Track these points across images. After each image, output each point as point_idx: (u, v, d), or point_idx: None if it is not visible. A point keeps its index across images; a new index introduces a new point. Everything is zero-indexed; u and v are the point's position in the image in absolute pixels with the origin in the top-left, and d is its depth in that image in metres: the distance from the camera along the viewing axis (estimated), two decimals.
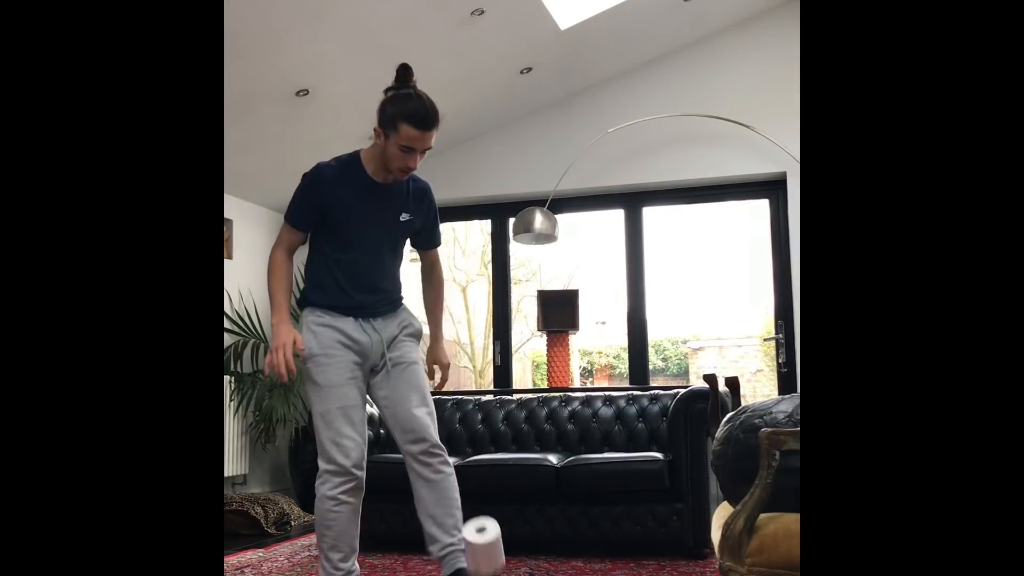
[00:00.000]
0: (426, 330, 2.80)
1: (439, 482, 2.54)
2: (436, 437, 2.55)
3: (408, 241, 2.71)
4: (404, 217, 2.58)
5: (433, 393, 2.73)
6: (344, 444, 2.45)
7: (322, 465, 2.47)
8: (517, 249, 8.35)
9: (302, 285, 2.84)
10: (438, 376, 2.76)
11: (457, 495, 2.57)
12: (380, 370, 2.58)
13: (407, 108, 2.37)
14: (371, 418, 4.05)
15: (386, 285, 2.60)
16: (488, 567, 2.54)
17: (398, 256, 2.66)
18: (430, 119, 2.39)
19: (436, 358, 2.75)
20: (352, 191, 2.49)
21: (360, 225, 2.51)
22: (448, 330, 12.17)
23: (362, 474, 2.49)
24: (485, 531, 2.57)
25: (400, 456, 3.87)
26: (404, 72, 2.50)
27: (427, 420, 2.55)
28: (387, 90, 2.48)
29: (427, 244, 2.75)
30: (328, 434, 2.45)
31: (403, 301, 2.69)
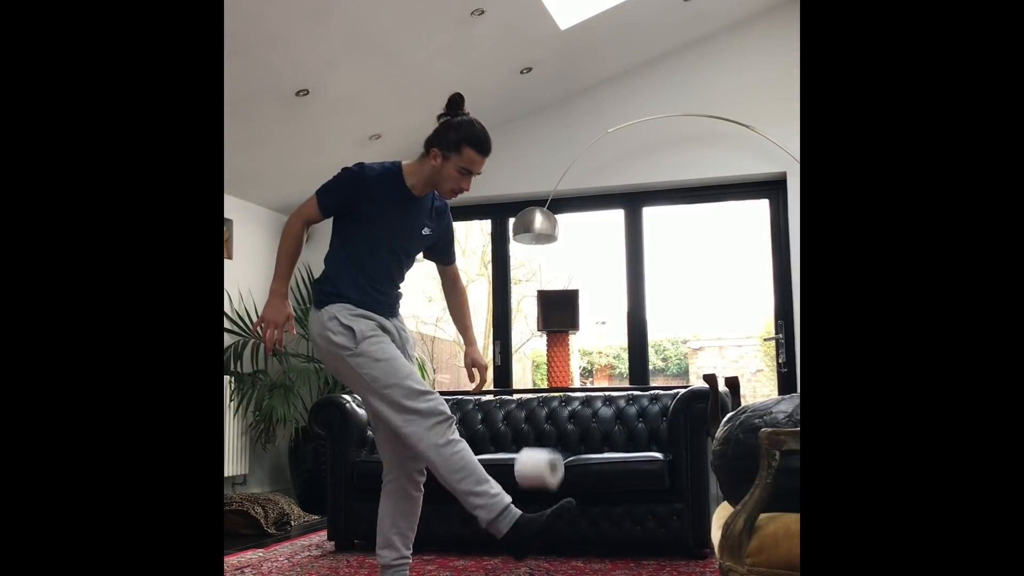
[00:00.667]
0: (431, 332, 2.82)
1: (416, 500, 2.70)
2: None
3: (422, 254, 2.85)
4: (426, 231, 2.70)
5: (473, 393, 2.83)
6: (430, 395, 2.49)
7: (419, 426, 2.44)
8: (517, 249, 8.34)
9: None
10: (477, 377, 2.86)
11: (419, 512, 2.72)
12: None
13: (473, 134, 2.60)
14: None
15: (399, 291, 2.72)
16: (554, 478, 2.68)
17: (410, 266, 2.77)
18: (490, 145, 2.64)
19: (474, 360, 2.86)
20: (390, 197, 2.59)
21: (390, 230, 2.60)
22: (448, 330, 12.19)
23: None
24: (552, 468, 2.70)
25: None
26: (459, 100, 2.69)
27: None
28: (441, 116, 2.66)
29: (445, 260, 2.87)
30: (413, 395, 2.47)
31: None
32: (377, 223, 2.57)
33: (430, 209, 2.70)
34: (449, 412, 2.49)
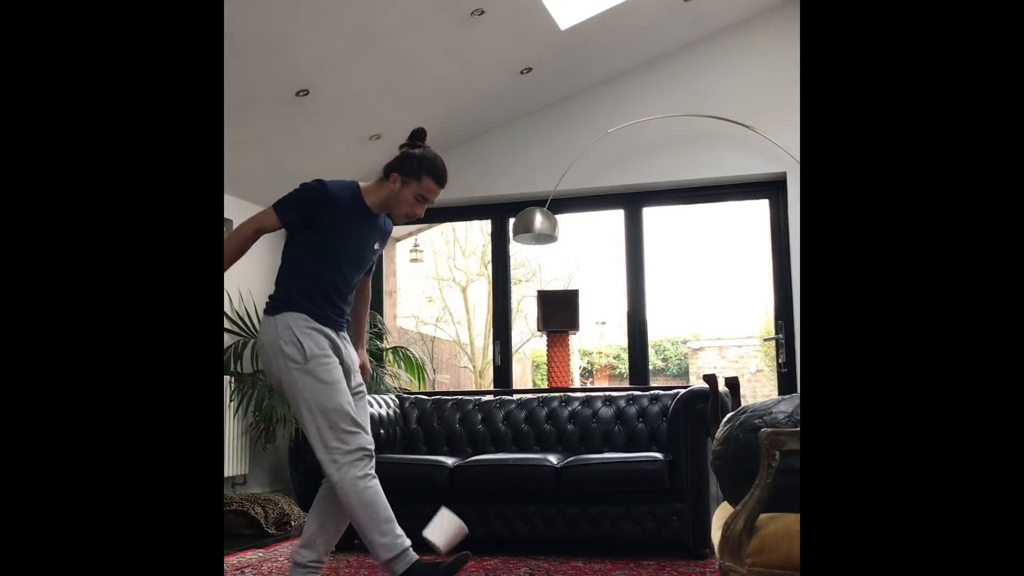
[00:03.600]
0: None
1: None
2: None
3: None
4: (376, 248, 2.85)
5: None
6: (361, 432, 2.61)
7: (342, 457, 2.57)
8: (517, 249, 8.36)
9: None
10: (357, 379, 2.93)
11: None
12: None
13: (435, 165, 2.73)
14: (371, 419, 4.05)
15: (347, 306, 2.82)
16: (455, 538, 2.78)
17: (360, 283, 2.89)
18: (446, 179, 2.77)
19: (363, 362, 2.96)
20: (351, 214, 2.71)
21: (349, 245, 2.72)
22: (448, 330, 12.19)
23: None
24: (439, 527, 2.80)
25: (402, 456, 3.89)
26: (422, 134, 2.82)
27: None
28: (403, 146, 2.78)
29: (369, 273, 2.99)
30: (344, 424, 2.58)
31: None
32: (338, 237, 2.68)
33: (381, 228, 2.84)
34: (372, 449, 2.62)
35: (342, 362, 2.71)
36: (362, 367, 2.93)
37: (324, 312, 2.67)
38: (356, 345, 2.97)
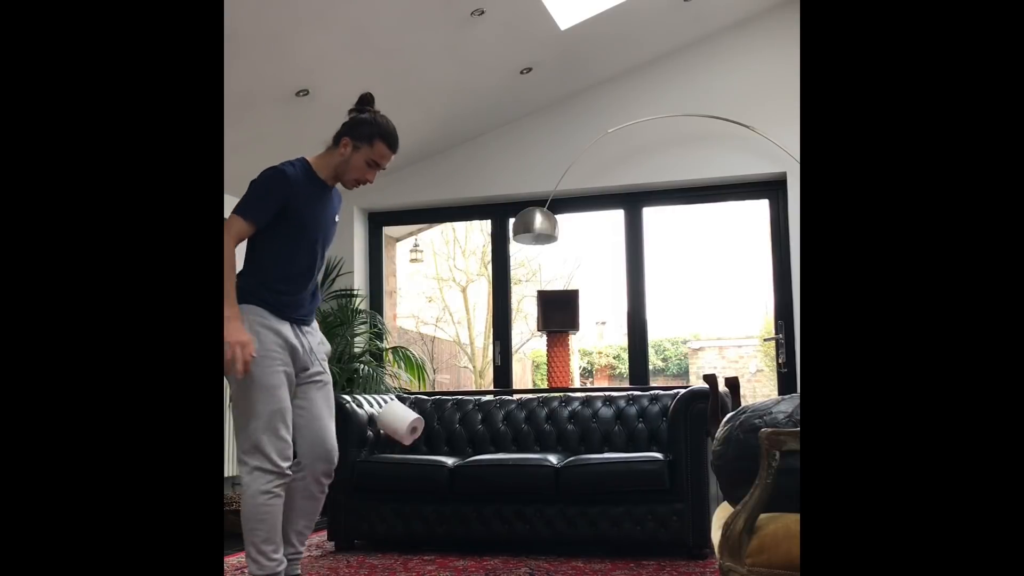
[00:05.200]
0: None
1: (320, 501, 2.78)
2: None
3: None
4: (336, 219, 2.82)
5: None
6: (282, 447, 2.59)
7: (253, 462, 2.57)
8: (517, 249, 8.36)
9: None
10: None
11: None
12: (303, 380, 2.73)
13: (386, 129, 2.70)
14: (371, 419, 4.05)
15: (313, 291, 2.77)
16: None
17: (324, 259, 2.83)
18: (398, 143, 2.75)
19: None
20: (312, 192, 2.68)
21: (312, 224, 2.68)
22: (448, 330, 12.19)
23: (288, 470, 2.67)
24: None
25: (402, 456, 3.89)
26: (370, 98, 2.80)
27: (335, 445, 2.77)
28: (352, 111, 2.77)
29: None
30: (266, 436, 2.57)
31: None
32: (304, 218, 2.64)
33: (335, 198, 2.81)
34: (287, 469, 2.60)
35: (297, 358, 2.67)
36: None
37: (285, 301, 2.63)
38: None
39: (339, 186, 2.85)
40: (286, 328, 2.65)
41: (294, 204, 2.61)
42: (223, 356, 2.52)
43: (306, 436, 2.71)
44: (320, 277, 2.83)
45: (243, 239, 2.61)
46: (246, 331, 2.53)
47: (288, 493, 2.70)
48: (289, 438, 2.62)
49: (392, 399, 2.99)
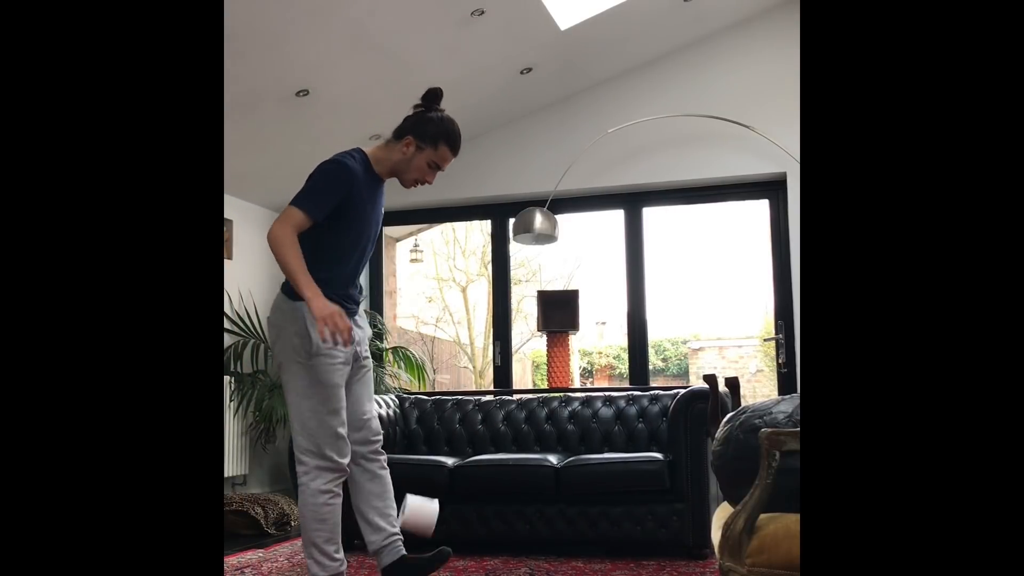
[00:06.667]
0: None
1: (384, 477, 2.72)
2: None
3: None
4: (382, 213, 2.76)
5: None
6: (341, 445, 2.56)
7: (313, 461, 2.54)
8: (517, 249, 8.36)
9: None
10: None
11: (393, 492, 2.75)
12: (354, 368, 2.70)
13: (451, 132, 2.61)
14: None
15: (359, 283, 2.73)
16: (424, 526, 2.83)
17: (371, 254, 2.78)
18: (460, 145, 2.66)
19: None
20: (368, 186, 2.60)
21: (365, 218, 2.61)
22: (448, 330, 12.19)
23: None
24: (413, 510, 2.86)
25: (402, 457, 3.88)
26: (439, 94, 2.67)
27: (377, 422, 2.75)
28: (417, 107, 2.64)
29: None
30: (325, 433, 2.53)
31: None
32: (360, 212, 2.56)
33: (382, 191, 2.74)
34: (346, 467, 2.58)
35: (354, 348, 2.64)
36: None
37: (341, 295, 2.58)
38: None
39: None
40: (346, 320, 2.50)
41: (353, 198, 2.52)
42: (312, 337, 2.47)
43: (352, 411, 2.67)
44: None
45: (301, 230, 2.46)
46: (327, 305, 2.40)
47: (351, 483, 2.68)
48: (347, 435, 2.59)
49: (408, 500, 2.89)
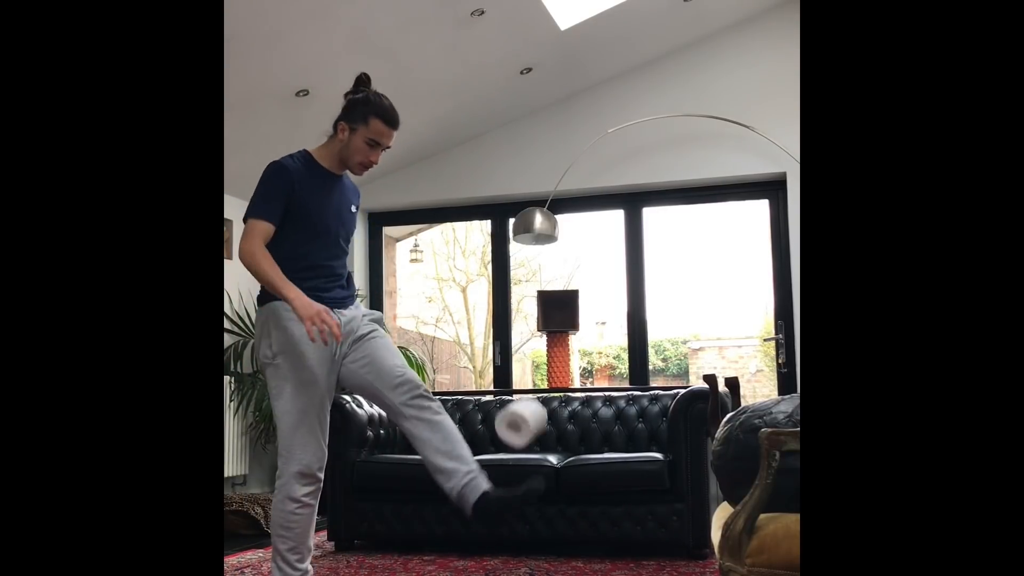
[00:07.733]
0: None
1: (441, 422, 2.54)
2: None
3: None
4: (352, 209, 2.74)
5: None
6: (314, 449, 2.54)
7: (287, 467, 2.52)
8: (517, 249, 8.36)
9: None
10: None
11: (458, 432, 2.58)
12: (357, 342, 2.62)
13: (380, 106, 2.62)
14: (371, 419, 4.05)
15: (343, 278, 2.70)
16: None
17: (348, 249, 2.77)
18: (397, 118, 2.65)
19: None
20: (315, 182, 2.62)
21: (323, 214, 2.62)
22: (448, 330, 12.19)
23: (322, 476, 2.60)
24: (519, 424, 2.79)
25: (402, 456, 3.88)
26: (366, 79, 2.73)
27: (414, 373, 2.60)
28: (348, 94, 2.69)
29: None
30: (299, 437, 2.52)
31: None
32: (310, 208, 2.58)
33: (350, 187, 2.76)
34: (321, 476, 2.55)
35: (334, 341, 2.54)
36: None
37: (313, 287, 2.54)
38: None
39: (355, 177, 2.80)
40: (332, 316, 2.50)
41: (298, 195, 2.56)
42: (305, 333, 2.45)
43: (380, 382, 2.56)
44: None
45: (267, 238, 2.52)
46: (311, 304, 2.42)
47: (410, 435, 2.54)
48: (323, 441, 2.56)
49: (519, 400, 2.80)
